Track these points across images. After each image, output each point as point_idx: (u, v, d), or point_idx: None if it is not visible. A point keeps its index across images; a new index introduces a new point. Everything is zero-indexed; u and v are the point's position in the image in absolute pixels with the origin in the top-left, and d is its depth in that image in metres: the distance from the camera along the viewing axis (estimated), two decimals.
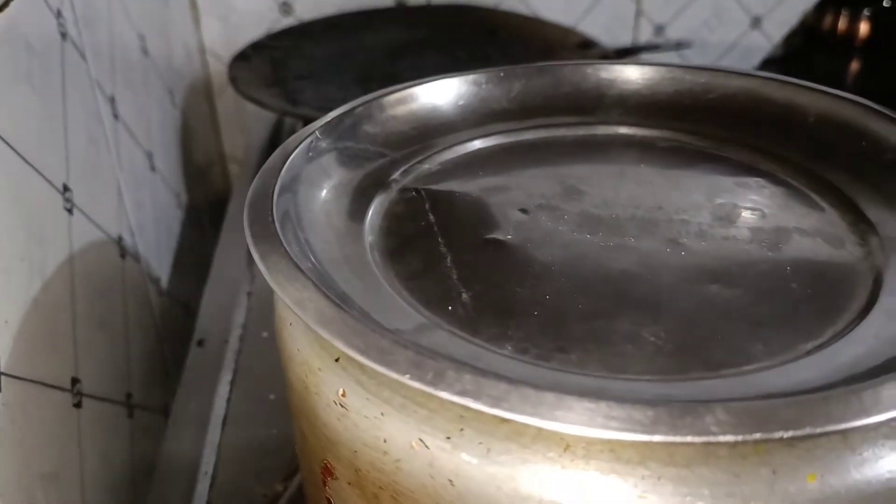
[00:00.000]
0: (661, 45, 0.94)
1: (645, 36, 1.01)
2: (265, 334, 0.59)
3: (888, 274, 0.30)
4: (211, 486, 0.48)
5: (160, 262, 0.68)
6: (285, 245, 0.28)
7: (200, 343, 0.59)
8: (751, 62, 0.96)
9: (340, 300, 0.26)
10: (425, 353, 0.23)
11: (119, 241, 0.56)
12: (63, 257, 0.45)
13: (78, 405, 0.45)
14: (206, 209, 0.89)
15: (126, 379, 0.55)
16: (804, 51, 0.82)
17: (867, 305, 0.29)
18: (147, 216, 0.65)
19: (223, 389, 0.55)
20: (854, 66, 0.81)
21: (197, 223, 0.84)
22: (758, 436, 0.21)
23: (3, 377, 0.36)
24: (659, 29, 1.01)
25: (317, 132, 0.36)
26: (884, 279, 0.30)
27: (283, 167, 0.33)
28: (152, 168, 0.69)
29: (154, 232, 0.67)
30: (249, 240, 0.28)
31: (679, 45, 0.93)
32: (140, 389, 0.58)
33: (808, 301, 0.30)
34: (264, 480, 0.48)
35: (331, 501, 0.29)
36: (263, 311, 0.61)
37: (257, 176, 0.33)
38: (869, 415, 0.21)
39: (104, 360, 0.51)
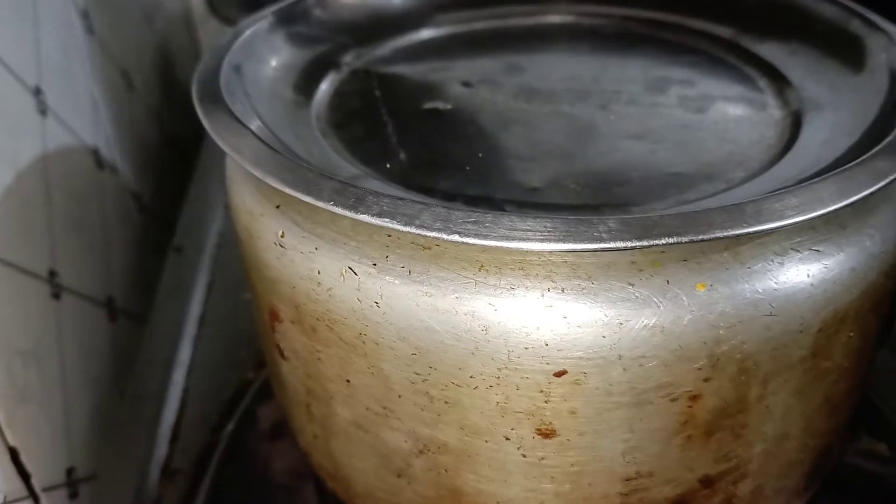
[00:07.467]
0: None
1: None
2: None
3: (804, 129, 0.32)
4: (188, 373, 0.50)
5: (142, 179, 0.70)
6: (228, 103, 0.30)
7: (178, 250, 0.61)
8: None
9: (279, 150, 0.28)
10: (348, 183, 0.25)
11: (96, 152, 0.58)
12: (36, 154, 0.47)
13: (56, 296, 0.47)
14: (189, 136, 0.91)
15: (107, 283, 0.57)
16: None
17: (779, 156, 0.31)
18: (126, 132, 0.67)
19: (200, 291, 0.57)
20: None
21: (180, 148, 0.85)
22: (645, 242, 0.23)
23: None
24: None
25: (270, 14, 0.38)
26: (799, 133, 0.32)
27: (234, 44, 0.35)
28: (130, 87, 0.70)
29: (134, 149, 0.69)
30: (196, 99, 0.30)
31: None
32: (122, 296, 0.60)
33: (725, 153, 0.31)
34: (238, 369, 0.50)
35: (280, 347, 0.32)
36: None
37: (209, 51, 0.34)
38: (749, 225, 0.23)
39: (83, 261, 0.53)
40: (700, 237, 0.23)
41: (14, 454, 0.39)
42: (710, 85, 0.36)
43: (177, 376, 0.50)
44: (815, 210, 0.24)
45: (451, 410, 0.26)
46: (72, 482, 0.45)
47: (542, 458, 0.26)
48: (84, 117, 0.58)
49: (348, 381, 0.28)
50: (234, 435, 0.45)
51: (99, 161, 0.59)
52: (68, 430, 0.46)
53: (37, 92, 0.49)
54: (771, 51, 0.37)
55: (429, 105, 0.35)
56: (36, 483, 0.40)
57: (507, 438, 0.26)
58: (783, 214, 0.23)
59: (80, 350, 0.50)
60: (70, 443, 0.46)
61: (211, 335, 0.53)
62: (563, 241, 0.23)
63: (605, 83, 0.36)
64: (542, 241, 0.23)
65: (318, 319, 0.28)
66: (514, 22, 0.43)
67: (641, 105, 0.34)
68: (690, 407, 0.25)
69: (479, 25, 0.43)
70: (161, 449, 0.46)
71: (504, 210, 0.28)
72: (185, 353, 0.52)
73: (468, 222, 0.23)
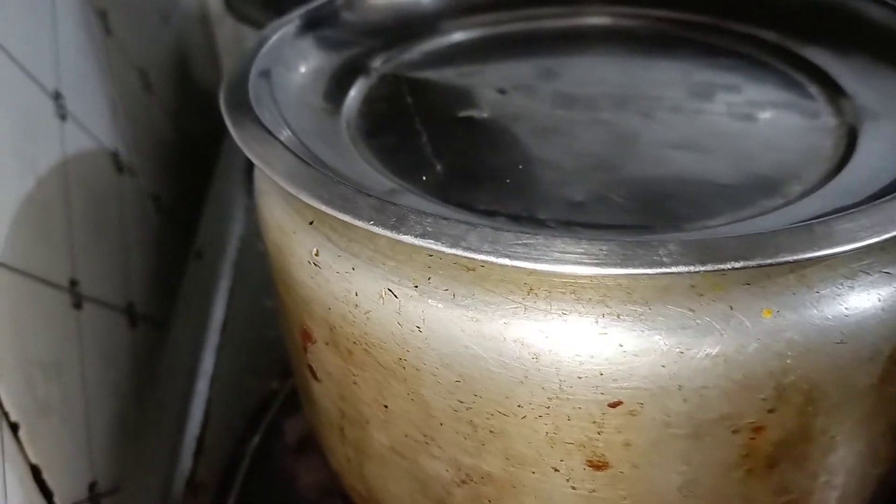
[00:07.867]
0: None
1: None
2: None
3: (860, 140, 0.31)
4: (211, 384, 0.49)
5: (159, 181, 0.69)
6: (257, 112, 0.28)
7: (199, 255, 0.60)
8: None
9: (311, 162, 0.27)
10: (387, 200, 0.24)
11: (115, 155, 0.57)
12: (56, 160, 0.46)
13: (78, 306, 0.46)
14: (206, 138, 0.90)
15: (127, 289, 0.56)
16: None
17: (836, 169, 0.29)
18: (144, 133, 0.66)
19: (221, 297, 0.56)
20: None
21: (198, 148, 0.84)
22: (709, 267, 0.21)
23: None
24: None
25: (297, 19, 0.36)
26: (857, 145, 0.30)
27: (261, 49, 0.34)
28: (147, 87, 0.69)
29: (152, 151, 0.67)
30: (224, 108, 0.29)
31: None
32: (142, 302, 0.59)
33: (779, 165, 0.30)
34: (262, 378, 0.49)
35: (312, 368, 0.30)
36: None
37: (236, 57, 0.33)
38: (820, 248, 0.22)
39: (103, 267, 0.52)
40: (768, 261, 0.21)
41: (36, 472, 0.38)
42: (757, 91, 0.34)
43: (200, 386, 0.49)
44: (889, 231, 0.22)
45: (497, 440, 0.25)
46: (94, 496, 0.44)
47: (593, 491, 0.25)
48: (103, 120, 0.56)
49: (386, 406, 0.27)
50: (260, 448, 0.44)
51: (118, 164, 0.58)
52: (89, 443, 0.45)
53: (56, 96, 0.48)
54: (819, 55, 0.36)
55: (463, 113, 0.34)
56: (58, 501, 0.39)
57: (556, 469, 0.25)
58: (856, 236, 0.22)
59: (100, 359, 0.49)
60: (91, 455, 0.45)
61: (234, 343, 0.52)
62: (621, 265, 0.21)
63: (645, 88, 0.35)
64: (597, 265, 0.22)
65: (354, 343, 0.27)
66: (546, 24, 0.42)
67: (685, 112, 0.33)
68: (753, 439, 0.24)
69: (511, 28, 0.41)
70: (185, 461, 0.45)
71: (550, 228, 0.26)
72: (207, 362, 0.50)
73: (518, 245, 0.22)
